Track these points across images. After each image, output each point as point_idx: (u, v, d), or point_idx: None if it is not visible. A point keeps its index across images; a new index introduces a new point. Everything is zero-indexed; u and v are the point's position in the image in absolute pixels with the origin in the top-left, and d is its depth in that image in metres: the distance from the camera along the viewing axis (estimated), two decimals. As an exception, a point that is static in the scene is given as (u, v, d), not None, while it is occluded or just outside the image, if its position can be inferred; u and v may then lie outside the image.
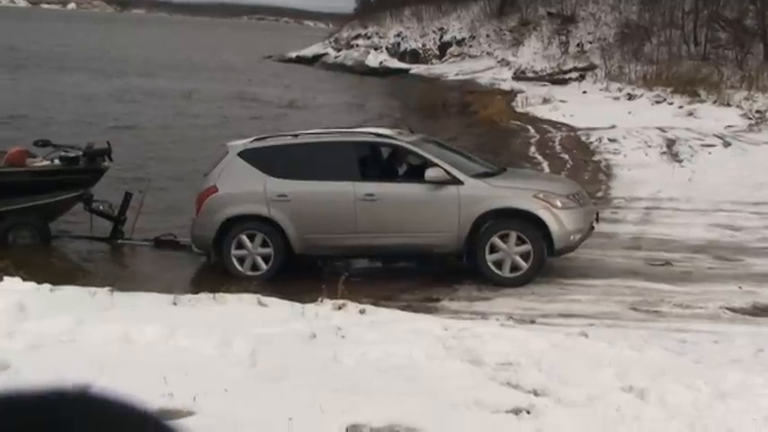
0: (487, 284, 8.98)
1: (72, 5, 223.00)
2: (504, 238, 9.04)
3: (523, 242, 9.00)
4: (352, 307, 6.76)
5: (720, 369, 5.80)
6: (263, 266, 9.49)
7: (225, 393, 4.64)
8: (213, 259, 10.03)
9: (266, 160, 9.67)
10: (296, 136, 10.11)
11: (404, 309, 7.59)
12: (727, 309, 8.02)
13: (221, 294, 6.96)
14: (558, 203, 9.07)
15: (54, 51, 45.66)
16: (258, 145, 9.91)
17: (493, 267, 9.05)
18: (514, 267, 9.02)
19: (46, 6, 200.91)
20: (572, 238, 9.14)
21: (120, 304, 6.51)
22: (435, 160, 9.36)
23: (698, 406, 4.91)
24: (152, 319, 5.95)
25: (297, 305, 6.66)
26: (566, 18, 39.01)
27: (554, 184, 9.93)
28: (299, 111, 27.06)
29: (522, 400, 4.83)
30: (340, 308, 6.72)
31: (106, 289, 6.89)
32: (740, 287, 8.69)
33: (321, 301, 6.89)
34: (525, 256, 9.00)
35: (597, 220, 9.74)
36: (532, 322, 7.55)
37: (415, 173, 9.56)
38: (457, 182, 9.18)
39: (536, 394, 4.97)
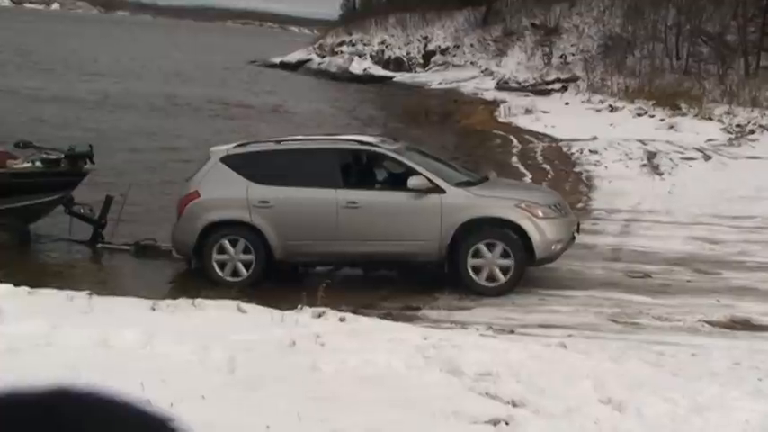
0: (468, 294, 8.99)
1: (56, 6, 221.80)
2: (486, 247, 9.06)
3: (505, 251, 9.03)
4: (332, 315, 6.74)
5: (698, 382, 5.84)
6: (244, 272, 9.45)
7: (202, 400, 4.61)
8: (194, 265, 9.98)
9: (249, 166, 9.63)
10: (278, 142, 10.09)
11: (384, 317, 7.59)
12: (705, 322, 8.07)
13: (200, 300, 6.92)
14: (540, 213, 9.10)
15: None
16: (241, 151, 9.88)
17: (474, 276, 9.06)
18: (495, 277, 9.04)
19: (29, 6, 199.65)
20: (553, 247, 9.17)
21: (99, 309, 6.46)
22: (418, 168, 9.37)
23: (675, 419, 4.93)
24: (130, 324, 5.91)
25: (276, 312, 6.63)
26: (549, 29, 39.19)
27: (536, 194, 9.97)
28: (283, 116, 27.02)
29: (500, 411, 4.83)
30: (320, 315, 6.70)
31: (84, 293, 6.85)
32: (718, 300, 8.74)
33: (301, 308, 6.87)
34: (506, 266, 9.03)
35: (578, 230, 9.79)
36: (512, 332, 7.56)
37: (398, 181, 9.55)
38: (439, 190, 9.19)
39: (514, 405, 4.97)
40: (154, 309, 6.69)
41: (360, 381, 5.20)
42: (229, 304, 6.91)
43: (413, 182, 9.21)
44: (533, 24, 40.33)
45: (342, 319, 6.68)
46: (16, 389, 0.85)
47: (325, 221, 9.32)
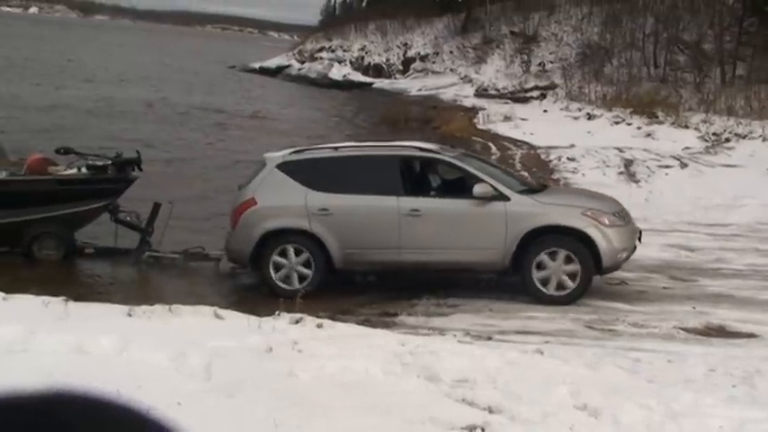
0: (446, 300, 9.00)
1: (34, 9, 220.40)
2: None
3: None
4: (310, 321, 6.73)
5: (673, 389, 5.87)
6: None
7: (178, 407, 4.59)
8: (248, 275, 9.88)
9: (306, 173, 9.43)
10: (336, 149, 9.90)
11: (361, 323, 7.59)
12: (681, 329, 8.12)
13: (177, 306, 6.90)
14: (606, 221, 9.00)
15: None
16: (297, 157, 9.65)
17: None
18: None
19: (6, 9, 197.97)
20: (619, 256, 9.08)
21: (75, 314, 6.42)
22: (482, 176, 9.23)
23: (650, 425, 4.96)
24: (107, 330, 5.88)
25: (253, 318, 6.61)
26: (528, 37, 39.41)
27: (599, 202, 9.74)
28: (263, 122, 26.97)
29: (477, 418, 4.84)
30: (297, 322, 6.69)
31: (60, 299, 6.80)
32: (694, 307, 8.80)
33: (278, 314, 6.86)
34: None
35: (640, 239, 9.61)
36: (489, 339, 7.58)
37: (458, 188, 9.39)
38: (503, 198, 9.03)
39: (491, 411, 4.98)
40: (130, 315, 6.65)
41: (337, 387, 5.20)
42: (206, 310, 6.88)
43: (478, 190, 9.00)
44: (512, 32, 40.54)
45: (319, 326, 6.67)
46: (11, 392, 0.84)
47: (386, 230, 9.13)
